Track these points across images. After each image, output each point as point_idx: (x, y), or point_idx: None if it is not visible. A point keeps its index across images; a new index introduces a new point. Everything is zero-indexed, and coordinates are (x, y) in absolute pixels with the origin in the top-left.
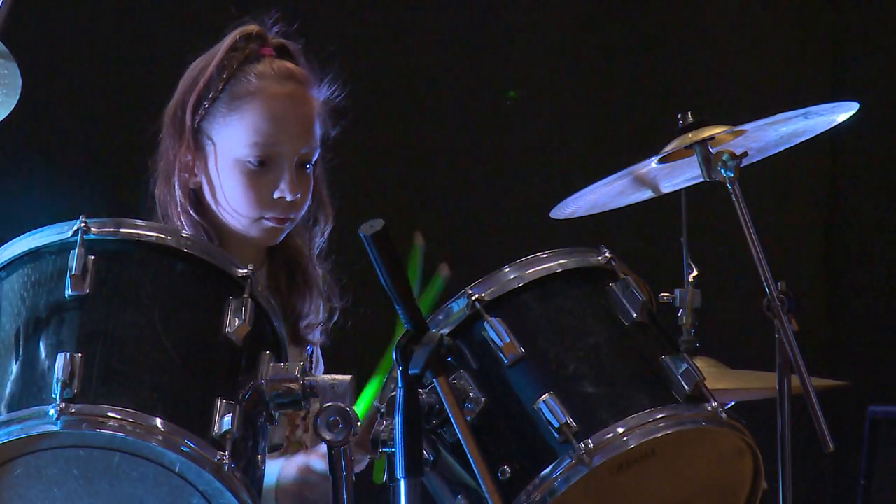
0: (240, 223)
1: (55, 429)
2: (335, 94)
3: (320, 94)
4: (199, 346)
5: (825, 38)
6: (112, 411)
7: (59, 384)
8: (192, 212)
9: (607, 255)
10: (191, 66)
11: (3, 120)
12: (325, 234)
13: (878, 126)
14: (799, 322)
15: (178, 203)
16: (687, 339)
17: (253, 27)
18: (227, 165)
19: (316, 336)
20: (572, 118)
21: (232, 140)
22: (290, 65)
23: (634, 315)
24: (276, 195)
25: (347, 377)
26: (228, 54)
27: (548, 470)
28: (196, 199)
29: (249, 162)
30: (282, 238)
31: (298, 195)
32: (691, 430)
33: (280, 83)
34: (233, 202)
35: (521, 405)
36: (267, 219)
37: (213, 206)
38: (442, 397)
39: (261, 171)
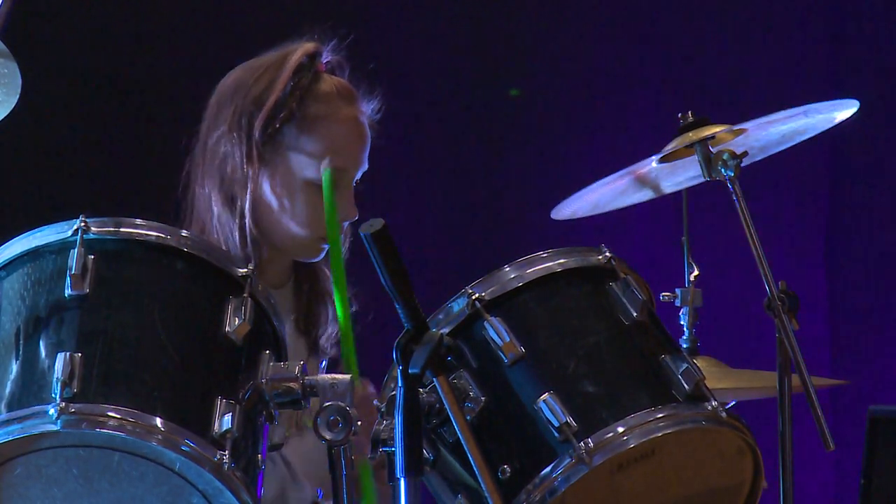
0: (293, 241)
1: (55, 428)
2: (377, 109)
3: (368, 109)
4: (199, 345)
5: (825, 37)
6: (112, 411)
7: (59, 383)
8: (249, 224)
9: (607, 254)
10: (236, 76)
11: (3, 120)
12: (346, 247)
13: (878, 126)
14: (799, 321)
15: (240, 214)
16: (688, 339)
17: (312, 45)
18: (296, 185)
19: (329, 348)
20: (572, 118)
21: (304, 161)
22: (345, 83)
23: (635, 314)
24: (338, 217)
25: (347, 377)
26: (296, 74)
27: (548, 469)
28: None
29: (320, 184)
30: (322, 256)
31: (356, 216)
32: (691, 429)
33: (348, 104)
34: (295, 221)
35: (521, 404)
36: (322, 238)
37: (267, 221)
38: (442, 397)
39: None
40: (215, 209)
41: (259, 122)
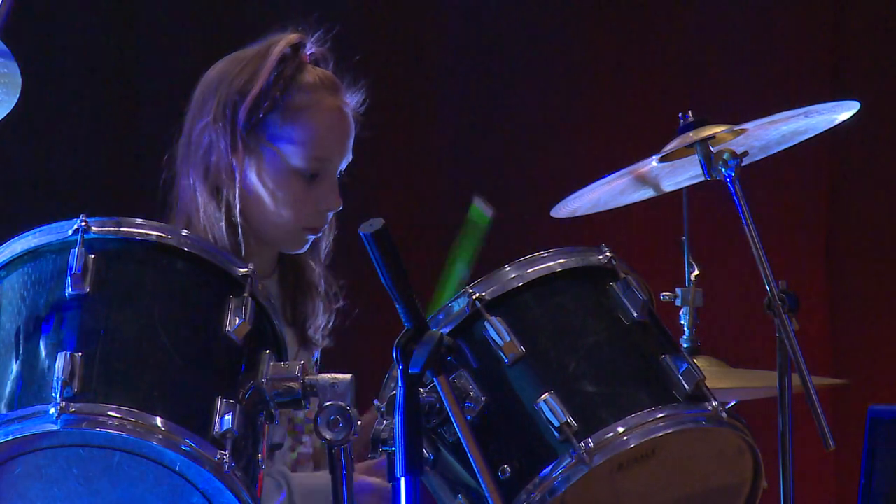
0: (278, 231)
1: (55, 428)
2: (361, 101)
3: (352, 101)
4: (199, 344)
5: (825, 38)
6: (112, 410)
7: (60, 383)
8: (237, 215)
9: (608, 254)
10: (220, 67)
11: (3, 119)
12: (331, 238)
13: (878, 126)
14: (799, 321)
15: (226, 205)
16: (688, 339)
17: (296, 36)
18: (280, 175)
19: (321, 339)
20: (572, 117)
21: (288, 150)
22: (330, 74)
23: (635, 314)
24: (321, 206)
25: (347, 376)
26: (280, 64)
27: (548, 469)
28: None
29: (304, 173)
30: (307, 248)
31: (340, 207)
32: (691, 429)
33: (332, 95)
34: (280, 211)
35: (522, 404)
36: (307, 229)
37: (252, 211)
38: (442, 396)
39: (312, 183)
40: (201, 200)
41: (243, 112)
